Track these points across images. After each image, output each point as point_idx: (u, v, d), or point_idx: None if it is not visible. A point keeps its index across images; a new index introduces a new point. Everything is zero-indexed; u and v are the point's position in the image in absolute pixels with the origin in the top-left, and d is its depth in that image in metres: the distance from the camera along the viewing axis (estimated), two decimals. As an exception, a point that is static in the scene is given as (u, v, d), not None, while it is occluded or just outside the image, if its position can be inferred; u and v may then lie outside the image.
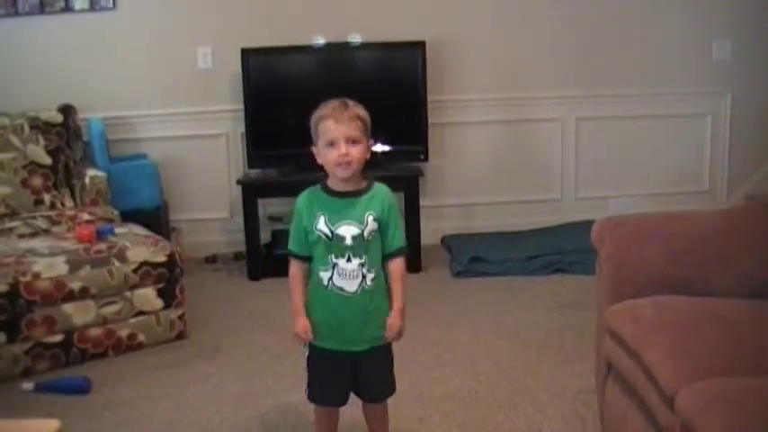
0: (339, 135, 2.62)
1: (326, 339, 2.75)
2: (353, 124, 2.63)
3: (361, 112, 2.68)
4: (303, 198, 2.76)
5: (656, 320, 2.59)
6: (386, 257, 2.74)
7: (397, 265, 2.75)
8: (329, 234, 2.66)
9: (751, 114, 6.00)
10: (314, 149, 2.71)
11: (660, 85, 5.93)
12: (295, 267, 2.79)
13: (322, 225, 2.67)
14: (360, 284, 2.68)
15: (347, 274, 2.68)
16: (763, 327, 2.49)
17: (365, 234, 2.66)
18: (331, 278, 2.69)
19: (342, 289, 2.68)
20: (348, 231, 2.66)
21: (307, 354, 2.81)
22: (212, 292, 5.04)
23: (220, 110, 5.65)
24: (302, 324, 2.74)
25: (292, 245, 2.78)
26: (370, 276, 2.69)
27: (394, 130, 5.30)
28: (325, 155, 2.66)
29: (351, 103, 2.68)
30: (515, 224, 5.89)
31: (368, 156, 2.70)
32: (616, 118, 5.95)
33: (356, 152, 2.64)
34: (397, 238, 2.74)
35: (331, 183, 2.73)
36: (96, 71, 5.49)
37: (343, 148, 2.62)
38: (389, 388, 2.87)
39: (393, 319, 2.73)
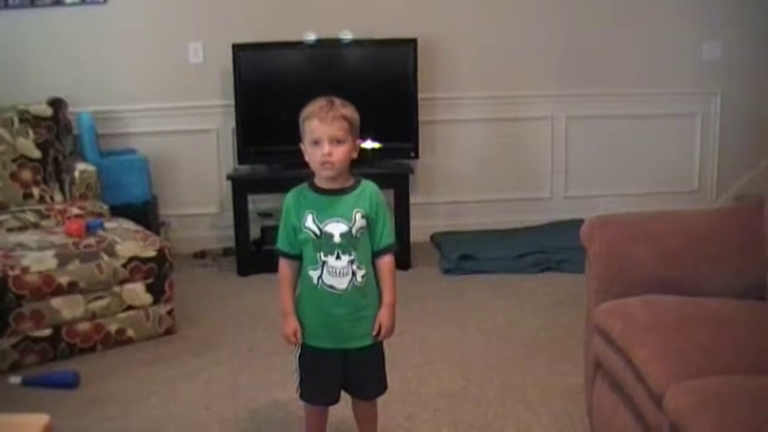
0: (323, 134, 2.61)
1: (318, 338, 2.75)
2: (338, 124, 2.62)
3: (348, 111, 2.67)
4: (291, 197, 2.76)
5: (644, 319, 2.59)
6: (375, 254, 2.74)
7: (386, 262, 2.75)
8: (317, 232, 2.66)
9: (741, 115, 6.03)
10: (302, 147, 2.71)
11: (650, 84, 5.94)
12: (284, 266, 2.78)
13: (310, 223, 2.67)
14: (350, 281, 2.68)
15: (337, 272, 2.68)
16: (752, 326, 2.50)
17: (353, 231, 2.66)
18: (321, 276, 2.69)
19: (332, 287, 2.68)
20: (336, 229, 2.66)
21: (298, 352, 2.80)
22: (201, 288, 5.03)
23: (211, 105, 5.64)
24: (292, 326, 2.74)
25: (281, 243, 2.78)
26: (360, 273, 2.69)
27: (384, 127, 5.30)
28: (310, 154, 2.67)
29: (338, 101, 2.67)
30: (505, 222, 5.90)
31: (354, 155, 2.70)
32: (606, 117, 5.97)
33: (339, 152, 2.63)
34: (386, 235, 2.74)
35: (318, 181, 2.72)
36: (86, 65, 5.47)
37: (326, 147, 2.61)
38: (381, 386, 2.87)
39: (382, 317, 2.73)
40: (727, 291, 2.79)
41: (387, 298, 2.74)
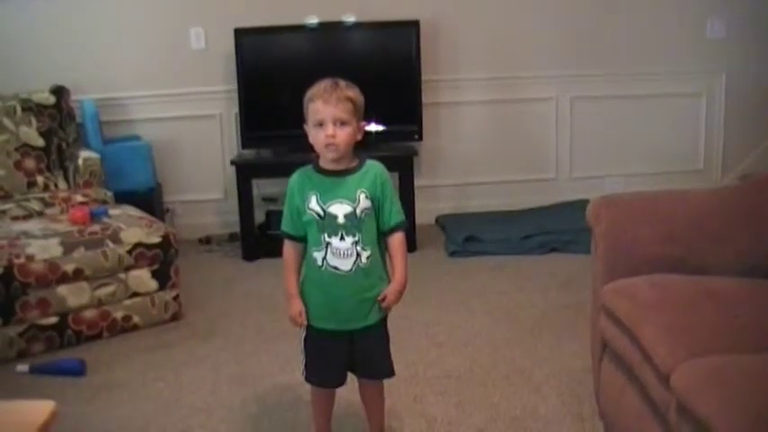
0: (327, 116, 2.61)
1: (323, 320, 2.74)
2: (342, 105, 2.62)
3: (352, 93, 2.66)
4: (295, 178, 2.75)
5: (651, 299, 2.59)
6: (385, 234, 2.74)
7: (396, 240, 2.75)
8: (321, 213, 2.66)
9: (745, 94, 6.00)
10: (306, 128, 2.70)
11: (655, 64, 5.92)
12: (288, 248, 2.78)
13: (314, 204, 2.66)
14: (354, 263, 2.67)
15: (341, 253, 2.67)
16: (757, 305, 2.49)
17: (357, 212, 2.66)
18: (325, 258, 2.68)
19: (336, 268, 2.67)
20: (340, 210, 2.66)
21: (303, 335, 2.80)
22: (207, 274, 5.03)
23: (214, 90, 5.63)
24: (297, 307, 2.74)
25: (285, 225, 2.77)
26: (365, 254, 2.68)
27: (388, 109, 5.28)
28: (314, 135, 2.66)
29: (342, 83, 2.66)
30: (510, 203, 5.89)
31: (359, 137, 2.69)
32: (611, 97, 5.95)
33: (343, 134, 2.62)
34: (395, 213, 2.75)
35: (322, 162, 2.72)
36: (89, 52, 5.46)
37: (330, 129, 2.61)
38: (387, 365, 2.85)
39: (389, 290, 2.72)
40: (733, 269, 2.78)
41: (398, 275, 2.73)
